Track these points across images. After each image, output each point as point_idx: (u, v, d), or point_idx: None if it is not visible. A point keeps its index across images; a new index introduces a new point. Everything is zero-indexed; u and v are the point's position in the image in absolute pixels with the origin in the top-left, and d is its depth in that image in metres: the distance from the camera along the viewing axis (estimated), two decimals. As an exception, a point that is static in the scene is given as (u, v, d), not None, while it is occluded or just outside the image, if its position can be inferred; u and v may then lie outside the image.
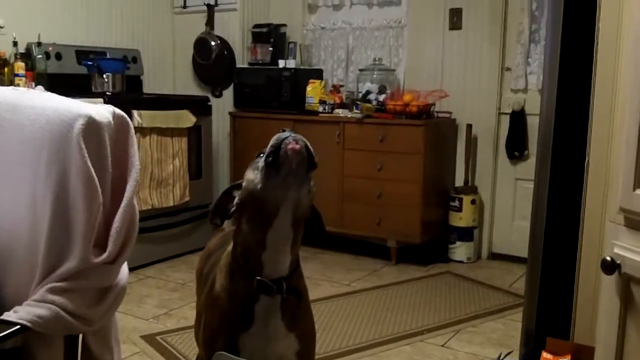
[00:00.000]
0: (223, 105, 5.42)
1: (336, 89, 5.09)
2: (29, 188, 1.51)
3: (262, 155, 1.61)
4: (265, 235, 1.63)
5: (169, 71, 5.69)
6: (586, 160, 2.29)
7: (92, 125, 1.47)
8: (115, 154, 1.52)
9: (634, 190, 1.51)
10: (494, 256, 4.86)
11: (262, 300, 1.68)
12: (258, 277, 1.66)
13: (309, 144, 1.60)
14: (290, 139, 1.58)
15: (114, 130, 1.52)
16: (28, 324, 1.37)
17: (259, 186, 1.60)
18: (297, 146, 1.56)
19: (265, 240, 1.64)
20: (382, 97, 4.75)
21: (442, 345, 3.25)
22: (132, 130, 1.57)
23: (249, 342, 1.69)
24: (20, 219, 1.53)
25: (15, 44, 4.27)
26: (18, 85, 4.09)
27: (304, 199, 1.61)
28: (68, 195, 1.45)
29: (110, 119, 1.52)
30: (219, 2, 5.38)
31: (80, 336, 1.56)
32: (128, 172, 1.53)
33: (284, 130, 1.62)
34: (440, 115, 4.77)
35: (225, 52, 5.38)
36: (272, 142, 1.59)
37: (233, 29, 5.40)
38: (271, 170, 1.58)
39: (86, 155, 1.45)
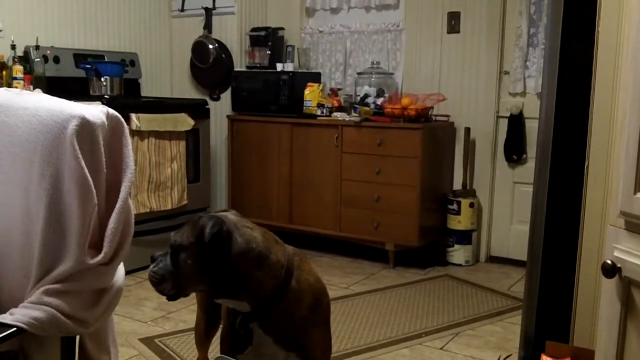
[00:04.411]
0: (221, 108, 5.41)
1: (334, 92, 5.08)
2: (22, 190, 1.50)
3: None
4: None
5: (167, 74, 5.68)
6: (586, 164, 2.28)
7: (85, 126, 1.46)
8: (109, 155, 1.51)
9: (634, 193, 1.50)
10: (492, 259, 4.85)
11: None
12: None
13: (161, 275, 1.67)
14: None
15: (107, 131, 1.51)
16: (24, 326, 1.36)
17: None
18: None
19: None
20: (380, 101, 4.74)
21: (441, 349, 3.24)
22: (127, 131, 1.56)
23: None
24: (13, 221, 1.52)
25: (13, 47, 4.25)
26: (16, 88, 4.08)
27: (198, 289, 1.72)
28: (62, 197, 1.44)
29: (104, 119, 1.50)
30: (216, 6, 5.37)
31: (77, 338, 1.55)
32: (122, 172, 1.52)
33: (153, 259, 1.70)
34: (438, 118, 4.77)
35: (223, 56, 5.37)
36: None
37: (231, 33, 5.39)
38: None
39: (80, 156, 1.44)
